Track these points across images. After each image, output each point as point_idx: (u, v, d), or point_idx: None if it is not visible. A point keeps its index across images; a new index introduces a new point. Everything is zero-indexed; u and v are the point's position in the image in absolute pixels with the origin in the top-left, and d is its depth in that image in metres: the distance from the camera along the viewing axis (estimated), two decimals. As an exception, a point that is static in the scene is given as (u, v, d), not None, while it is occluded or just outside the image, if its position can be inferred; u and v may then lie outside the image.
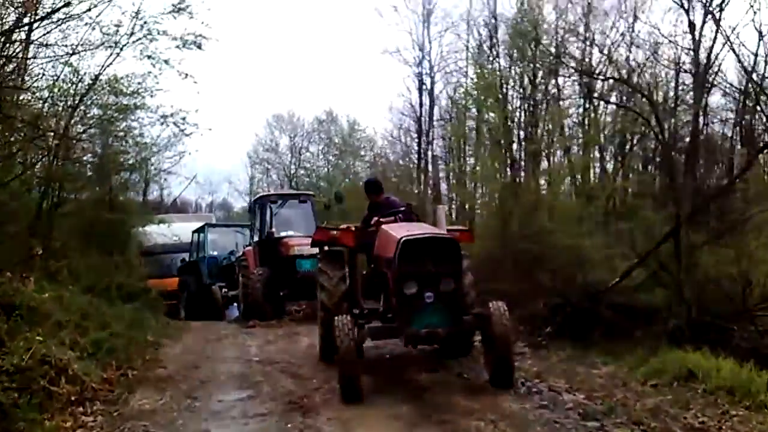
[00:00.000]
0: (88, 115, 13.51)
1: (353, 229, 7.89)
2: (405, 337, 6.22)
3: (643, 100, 16.43)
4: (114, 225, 14.35)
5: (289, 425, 5.58)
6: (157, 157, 19.49)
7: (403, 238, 6.11)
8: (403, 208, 7.71)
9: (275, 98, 57.76)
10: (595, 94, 21.90)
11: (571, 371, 7.81)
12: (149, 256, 19.94)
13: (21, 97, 11.31)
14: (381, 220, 7.36)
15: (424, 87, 29.12)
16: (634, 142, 21.61)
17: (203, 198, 45.96)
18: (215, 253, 18.27)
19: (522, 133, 23.62)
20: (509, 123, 23.37)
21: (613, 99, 21.45)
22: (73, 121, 12.99)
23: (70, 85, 12.36)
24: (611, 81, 18.23)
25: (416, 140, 30.65)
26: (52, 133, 11.62)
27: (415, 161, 30.68)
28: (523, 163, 24.29)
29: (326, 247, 8.25)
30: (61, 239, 11.64)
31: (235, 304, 16.72)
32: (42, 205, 12.88)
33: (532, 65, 20.86)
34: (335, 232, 7.98)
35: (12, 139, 10.35)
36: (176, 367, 7.98)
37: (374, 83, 56.42)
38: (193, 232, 19.30)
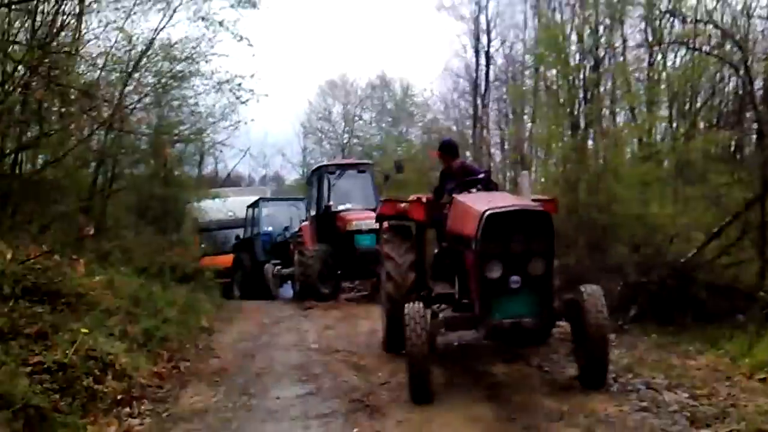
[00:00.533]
0: (143, 83, 13.15)
1: (424, 201, 7.10)
2: (486, 330, 5.29)
3: (730, 49, 14.83)
4: (169, 201, 13.99)
5: (355, 429, 4.97)
6: (213, 128, 19.22)
7: (487, 212, 5.11)
8: (482, 176, 6.78)
9: (328, 63, 57.06)
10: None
11: (664, 363, 6.93)
12: (204, 233, 19.74)
13: (75, 66, 10.98)
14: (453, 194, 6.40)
15: (480, 46, 28.16)
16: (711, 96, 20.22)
17: (256, 171, 45.91)
18: (270, 228, 17.80)
19: (584, 92, 22.57)
20: (572, 81, 22.28)
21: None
22: (127, 90, 12.64)
23: (123, 52, 12.03)
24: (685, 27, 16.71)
25: (471, 103, 29.91)
26: (106, 103, 11.23)
27: (471, 126, 29.92)
28: (586, 124, 23.20)
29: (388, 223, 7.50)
30: (114, 217, 11.26)
31: (290, 283, 16.31)
32: (96, 182, 12.66)
33: (595, 13, 19.60)
34: (404, 205, 7.19)
35: (65, 111, 9.98)
36: (231, 357, 7.50)
37: (428, 44, 54.90)
38: (248, 207, 18.89)
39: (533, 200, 6.40)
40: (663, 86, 19.49)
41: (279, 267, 16.18)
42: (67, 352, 5.34)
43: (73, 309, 6.37)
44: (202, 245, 19.39)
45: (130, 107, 12.63)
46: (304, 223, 14.23)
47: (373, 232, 12.44)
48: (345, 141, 40.81)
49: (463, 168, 7.15)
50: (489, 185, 6.71)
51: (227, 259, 18.31)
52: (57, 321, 5.85)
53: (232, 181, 36.92)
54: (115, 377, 5.64)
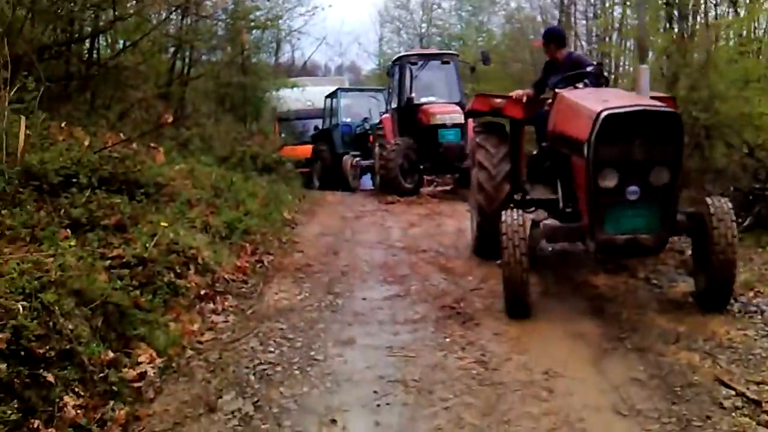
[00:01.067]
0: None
1: (524, 98, 6.44)
2: (596, 244, 4.69)
3: None
4: (247, 89, 13.63)
5: (447, 339, 4.62)
6: (289, 15, 18.58)
7: (604, 112, 4.44)
8: (590, 69, 6.02)
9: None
10: None
11: (788, 280, 6.27)
12: (282, 122, 19.49)
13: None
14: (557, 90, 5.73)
15: None
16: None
17: (333, 60, 45.21)
18: (348, 120, 17.31)
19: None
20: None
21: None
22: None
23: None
24: None
25: None
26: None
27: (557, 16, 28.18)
28: (681, 16, 21.32)
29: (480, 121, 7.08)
30: (193, 105, 11.00)
31: (369, 174, 15.98)
32: (173, 68, 12.39)
33: None
34: (499, 101, 6.58)
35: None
36: (314, 252, 7.24)
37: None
38: (326, 97, 18.37)
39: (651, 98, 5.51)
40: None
41: (358, 158, 15.82)
42: (147, 245, 5.13)
43: (152, 200, 6.13)
44: (282, 135, 19.25)
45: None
46: (384, 116, 13.64)
47: (458, 126, 11.86)
48: (423, 30, 39.76)
49: (570, 59, 6.41)
50: (599, 80, 6.01)
51: (307, 150, 18.06)
52: (136, 212, 5.61)
53: (308, 71, 36.49)
54: (197, 272, 5.44)
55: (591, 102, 4.85)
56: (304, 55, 36.11)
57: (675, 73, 17.74)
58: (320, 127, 18.73)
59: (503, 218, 4.92)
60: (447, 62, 13.37)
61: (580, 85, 5.87)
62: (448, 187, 13.99)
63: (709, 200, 4.87)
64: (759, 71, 17.14)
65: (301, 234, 8.21)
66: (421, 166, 12.39)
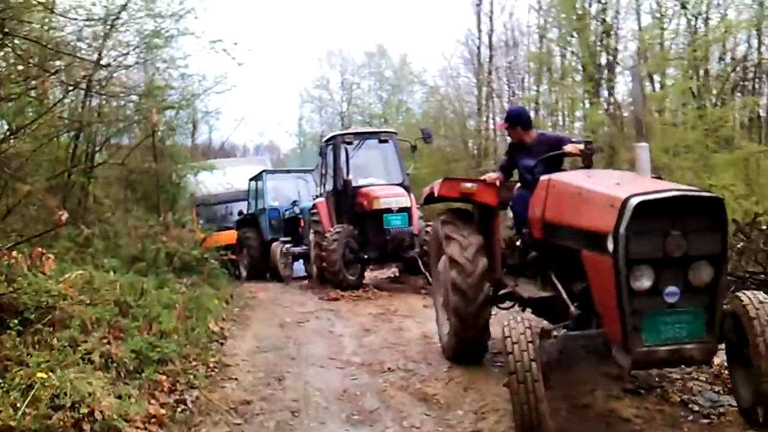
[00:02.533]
0: (125, 42, 11.31)
1: (497, 182, 5.85)
2: (633, 358, 3.78)
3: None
4: (160, 175, 12.08)
5: None
6: (205, 95, 17.46)
7: (634, 199, 3.67)
8: (582, 145, 5.32)
9: (325, 36, 54.90)
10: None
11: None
12: (201, 208, 17.97)
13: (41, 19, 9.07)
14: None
15: (481, 11, 26.91)
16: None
17: (251, 140, 44.42)
18: (276, 203, 15.93)
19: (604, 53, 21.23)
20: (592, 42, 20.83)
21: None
22: (105, 49, 10.78)
23: (100, 7, 10.13)
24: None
25: (474, 72, 28.78)
26: (79, 62, 9.30)
27: (475, 93, 28.64)
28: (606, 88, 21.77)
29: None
30: (95, 197, 9.38)
31: (302, 261, 14.55)
32: (74, 154, 10.80)
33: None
34: (470, 185, 5.83)
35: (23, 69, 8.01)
36: (252, 380, 5.68)
37: (426, 14, 52.74)
38: (250, 179, 16.97)
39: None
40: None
41: (289, 245, 14.39)
42: (18, 405, 3.56)
43: (33, 330, 4.54)
44: (201, 222, 17.68)
45: (111, 68, 10.85)
46: (318, 200, 12.35)
47: (404, 210, 10.72)
48: (344, 110, 40.00)
49: (543, 140, 5.85)
50: (591, 161, 5.30)
51: (231, 236, 16.50)
52: (7, 353, 4.02)
53: (225, 152, 35.30)
54: (93, 433, 3.83)
55: (605, 187, 4.15)
56: (222, 136, 34.91)
57: (612, 146, 17.52)
58: (244, 211, 17.25)
59: (504, 331, 3.92)
60: (385, 141, 12.22)
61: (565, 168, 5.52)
62: (392, 274, 12.68)
63: (742, 296, 4.03)
64: (690, 140, 17.18)
65: (234, 352, 6.63)
66: (365, 256, 11.03)
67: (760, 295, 4.05)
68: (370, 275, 12.77)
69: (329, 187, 12.04)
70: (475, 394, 5.03)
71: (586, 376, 5.18)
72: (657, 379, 5.09)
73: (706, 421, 4.38)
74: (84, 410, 3.96)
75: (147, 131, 11.88)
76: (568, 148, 5.43)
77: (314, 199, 13.06)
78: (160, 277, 7.88)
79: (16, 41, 8.24)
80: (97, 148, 12.01)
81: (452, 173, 21.09)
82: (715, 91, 19.32)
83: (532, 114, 25.45)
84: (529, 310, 5.42)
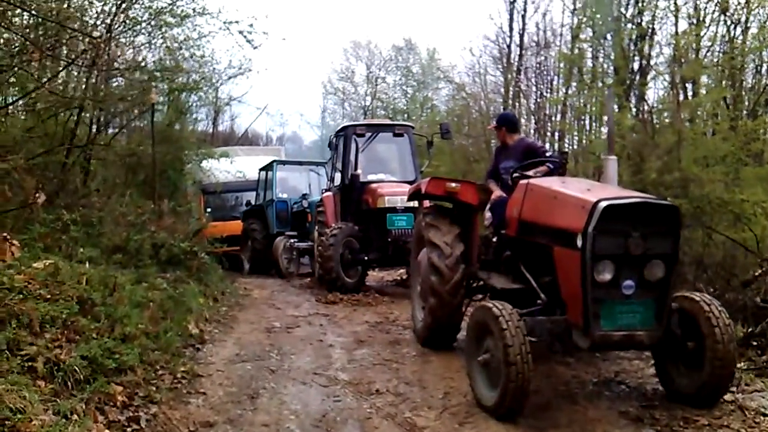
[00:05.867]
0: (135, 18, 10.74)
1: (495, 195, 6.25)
2: (591, 340, 4.43)
3: None
4: (161, 160, 11.48)
5: None
6: (223, 81, 17.00)
7: (603, 203, 4.34)
8: (552, 158, 6.24)
9: (352, 26, 54.12)
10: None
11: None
12: (209, 196, 17.43)
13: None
14: (526, 173, 5.83)
15: (515, 9, 26.09)
16: None
17: (273, 130, 44.01)
18: (284, 196, 15.31)
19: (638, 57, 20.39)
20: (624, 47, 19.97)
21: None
22: (115, 25, 10.20)
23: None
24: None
25: (502, 71, 28.11)
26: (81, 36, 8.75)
27: (502, 92, 27.92)
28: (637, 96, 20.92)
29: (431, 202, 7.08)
30: (78, 181, 8.78)
31: (308, 257, 13.92)
32: (75, 134, 10.26)
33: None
34: (454, 185, 6.33)
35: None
36: (222, 395, 5.05)
37: (455, 12, 51.84)
38: (260, 169, 16.36)
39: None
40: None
41: (294, 240, 13.77)
42: None
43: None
44: (209, 210, 17.16)
45: (117, 45, 10.32)
46: (326, 194, 11.70)
47: (411, 211, 9.98)
48: (367, 104, 39.41)
49: (521, 145, 6.45)
50: (561, 170, 6.12)
51: (236, 226, 15.95)
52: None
53: (249, 141, 34.92)
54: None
55: (577, 191, 4.80)
56: (241, 125, 34.61)
57: (640, 154, 16.64)
58: (252, 202, 16.66)
59: (494, 311, 4.42)
60: (400, 134, 11.39)
61: (537, 173, 5.86)
62: (399, 276, 12.00)
63: (694, 296, 4.71)
64: (723, 151, 16.26)
65: (209, 359, 6.00)
66: (366, 257, 10.29)
67: (708, 297, 4.67)
68: (375, 276, 12.12)
69: (338, 181, 11.37)
70: (471, 428, 4.36)
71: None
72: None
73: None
74: (13, 426, 3.38)
75: (146, 111, 11.24)
76: (540, 170, 5.95)
77: (323, 193, 12.45)
78: (143, 270, 7.25)
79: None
80: (96, 129, 11.51)
81: (472, 174, 20.38)
82: (747, 104, 18.41)
83: (558, 117, 24.88)
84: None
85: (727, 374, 4.48)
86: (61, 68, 9.48)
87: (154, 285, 6.82)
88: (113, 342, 4.96)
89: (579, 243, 4.36)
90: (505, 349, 4.20)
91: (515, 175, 5.77)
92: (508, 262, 5.66)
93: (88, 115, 11.20)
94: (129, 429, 4.21)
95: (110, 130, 12.56)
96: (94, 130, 11.24)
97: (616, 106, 20.86)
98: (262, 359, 6.08)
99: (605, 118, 22.90)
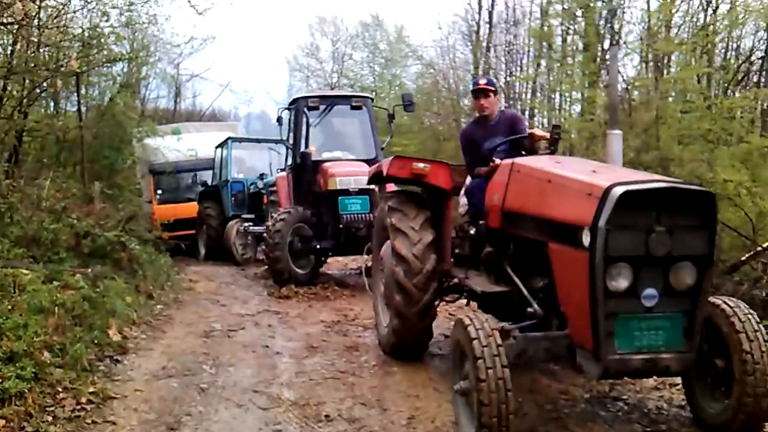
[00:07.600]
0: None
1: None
2: (604, 366, 3.41)
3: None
4: (95, 139, 10.34)
5: None
6: (188, 60, 15.78)
7: (618, 188, 3.31)
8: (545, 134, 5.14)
9: (317, 3, 52.45)
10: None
11: None
12: (159, 176, 16.25)
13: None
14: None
15: None
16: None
17: (238, 108, 42.70)
18: (240, 176, 14.24)
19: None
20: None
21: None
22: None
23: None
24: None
25: (471, 48, 27.26)
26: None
27: (471, 71, 27.12)
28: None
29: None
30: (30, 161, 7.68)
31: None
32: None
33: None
34: (423, 166, 5.35)
35: None
36: (134, 427, 4.09)
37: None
38: (216, 147, 15.22)
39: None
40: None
41: (249, 224, 12.74)
42: None
43: None
44: (159, 191, 16.02)
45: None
46: (280, 174, 10.64)
47: (366, 193, 8.96)
48: (334, 81, 38.17)
49: (504, 118, 5.40)
50: (554, 146, 5.04)
51: (189, 209, 14.87)
52: None
53: (215, 119, 33.56)
54: None
55: (580, 173, 3.80)
56: (203, 104, 33.37)
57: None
58: (208, 183, 15.52)
59: (470, 332, 3.44)
60: (358, 107, 10.19)
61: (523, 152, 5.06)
62: (365, 264, 11.06)
63: (719, 302, 3.76)
64: (702, 130, 15.59)
65: (129, 374, 5.03)
66: (318, 246, 9.22)
67: (735, 302, 3.79)
68: (338, 263, 11.17)
69: (291, 160, 10.31)
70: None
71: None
72: None
73: None
74: None
75: (69, 82, 10.06)
76: (535, 131, 5.13)
77: (278, 173, 11.41)
78: (57, 265, 6.20)
79: None
80: (27, 102, 10.36)
81: (442, 152, 19.50)
82: (719, 81, 17.86)
83: (529, 94, 24.09)
84: (475, 304, 5.19)
85: (764, 396, 3.52)
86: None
87: (68, 283, 5.78)
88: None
89: (586, 241, 3.38)
90: (477, 383, 3.30)
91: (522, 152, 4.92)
92: (490, 260, 4.76)
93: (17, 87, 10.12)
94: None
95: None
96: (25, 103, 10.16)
97: (586, 82, 20.23)
98: (193, 373, 5.11)
99: (576, 95, 22.23)
